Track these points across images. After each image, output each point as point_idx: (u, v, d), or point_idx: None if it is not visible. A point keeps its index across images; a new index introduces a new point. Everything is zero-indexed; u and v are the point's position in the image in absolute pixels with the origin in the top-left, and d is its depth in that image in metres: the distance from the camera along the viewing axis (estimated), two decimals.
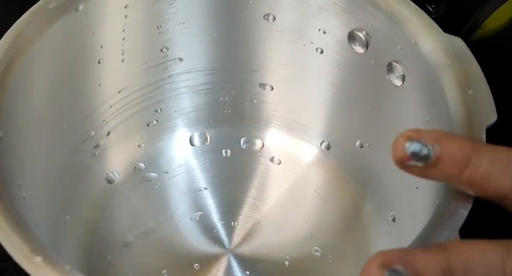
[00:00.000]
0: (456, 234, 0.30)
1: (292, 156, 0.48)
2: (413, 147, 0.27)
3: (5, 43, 0.36)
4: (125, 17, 0.41)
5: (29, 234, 0.30)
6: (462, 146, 0.28)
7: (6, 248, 0.30)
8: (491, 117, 0.34)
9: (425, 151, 0.27)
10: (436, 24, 0.38)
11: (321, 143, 0.47)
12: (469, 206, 0.31)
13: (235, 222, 0.45)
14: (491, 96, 0.35)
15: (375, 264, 0.26)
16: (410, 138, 0.27)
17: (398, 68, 0.40)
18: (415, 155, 0.27)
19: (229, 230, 0.45)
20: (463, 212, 0.31)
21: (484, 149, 0.28)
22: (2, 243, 0.30)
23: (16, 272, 0.29)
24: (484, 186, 0.28)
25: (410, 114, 0.40)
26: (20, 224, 0.30)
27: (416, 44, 0.38)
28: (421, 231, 0.31)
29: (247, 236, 0.44)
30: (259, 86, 0.47)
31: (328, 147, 0.47)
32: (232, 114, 0.48)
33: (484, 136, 0.33)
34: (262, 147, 0.48)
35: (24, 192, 0.35)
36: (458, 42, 0.37)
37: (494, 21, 0.48)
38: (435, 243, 0.28)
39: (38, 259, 0.29)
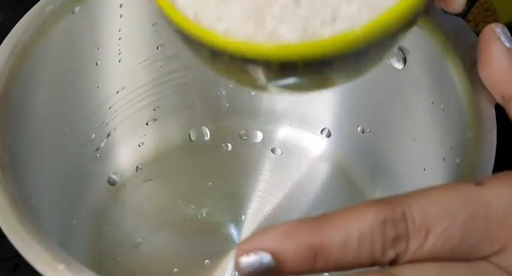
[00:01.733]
0: None
1: (293, 146, 0.48)
2: (248, 263, 0.24)
3: (4, 50, 0.35)
4: (121, 16, 0.41)
5: (49, 242, 0.30)
6: (303, 235, 0.24)
7: (27, 257, 0.29)
8: None
9: (263, 261, 0.24)
10: (435, 5, 0.38)
11: (322, 131, 0.47)
12: None
13: (244, 216, 0.45)
14: None
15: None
16: (242, 254, 0.24)
17: (399, 51, 0.40)
18: (256, 271, 0.24)
19: (238, 224, 0.44)
20: None
21: (331, 227, 0.24)
22: (23, 254, 0.29)
23: (29, 267, 0.29)
24: (346, 266, 0.24)
25: (413, 97, 0.40)
26: (39, 232, 0.30)
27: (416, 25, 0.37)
28: None
29: (256, 230, 0.44)
30: None
31: (328, 135, 0.47)
32: (230, 108, 0.48)
33: (493, 113, 0.33)
34: (263, 138, 0.48)
35: (34, 200, 0.35)
36: (458, 21, 0.37)
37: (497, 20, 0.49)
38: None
39: (61, 267, 0.29)
